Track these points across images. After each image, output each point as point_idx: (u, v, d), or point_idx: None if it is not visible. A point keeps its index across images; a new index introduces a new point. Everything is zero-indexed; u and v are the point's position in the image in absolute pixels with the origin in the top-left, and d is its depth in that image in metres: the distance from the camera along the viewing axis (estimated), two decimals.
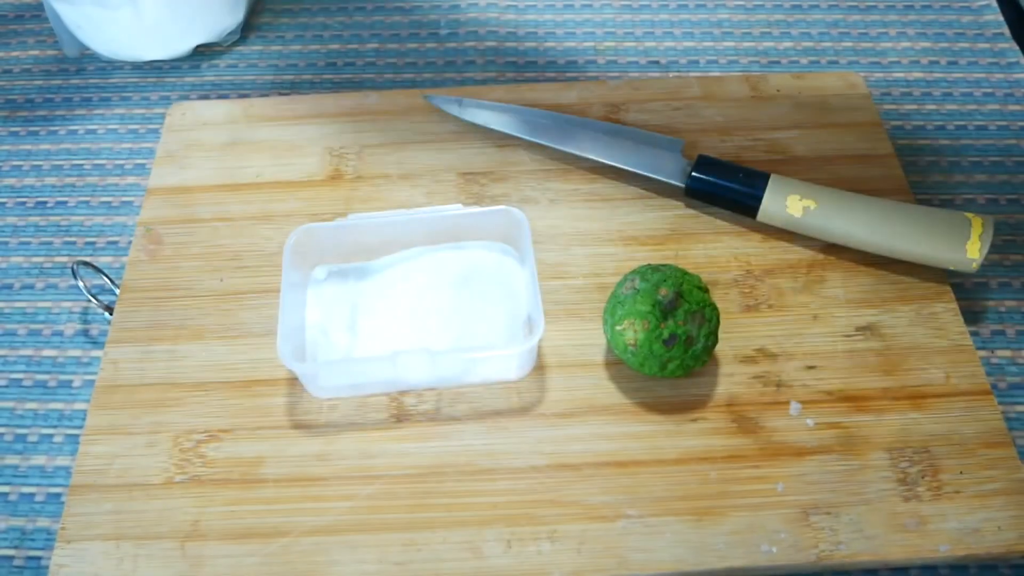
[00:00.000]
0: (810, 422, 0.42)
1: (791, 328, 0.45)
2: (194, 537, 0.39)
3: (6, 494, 0.43)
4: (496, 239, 0.47)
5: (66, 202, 0.54)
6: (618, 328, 0.38)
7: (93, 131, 0.58)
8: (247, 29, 0.63)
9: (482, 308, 0.45)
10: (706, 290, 0.39)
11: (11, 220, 0.53)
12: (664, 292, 0.37)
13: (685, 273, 0.39)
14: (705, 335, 0.38)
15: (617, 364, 0.43)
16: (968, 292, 0.49)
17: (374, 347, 0.44)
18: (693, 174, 0.48)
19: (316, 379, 0.42)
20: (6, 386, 0.47)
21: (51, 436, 0.45)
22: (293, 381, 0.43)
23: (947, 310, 0.45)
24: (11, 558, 0.41)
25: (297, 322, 0.44)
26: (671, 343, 0.38)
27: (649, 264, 0.40)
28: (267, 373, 0.44)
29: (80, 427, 0.44)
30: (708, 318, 0.38)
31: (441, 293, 0.45)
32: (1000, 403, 0.43)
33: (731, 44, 0.62)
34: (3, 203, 0.54)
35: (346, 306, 0.45)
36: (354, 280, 0.47)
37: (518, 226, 0.44)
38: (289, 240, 0.44)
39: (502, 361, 0.42)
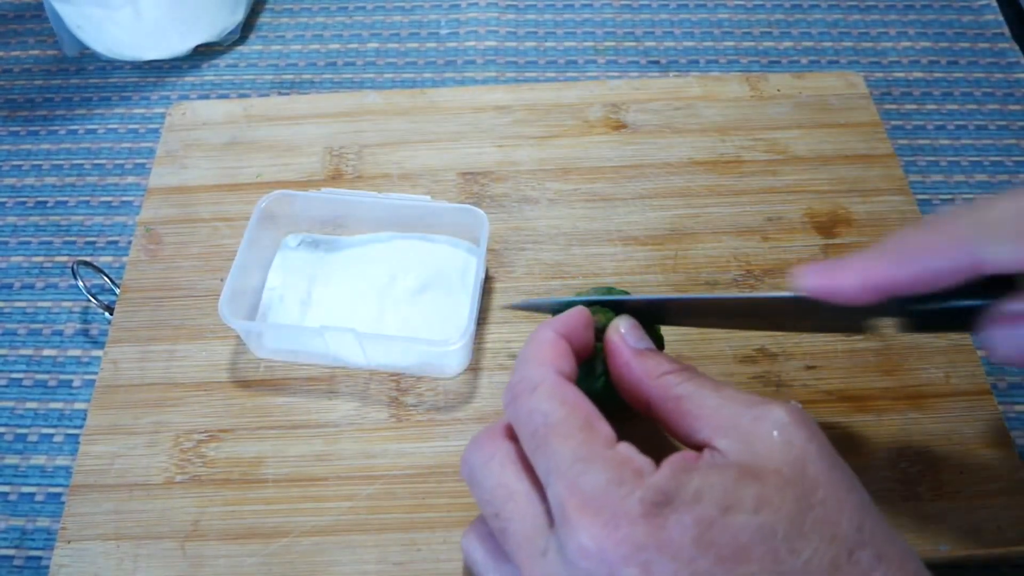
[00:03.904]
0: None
1: None
2: (194, 537, 0.39)
3: (6, 494, 0.43)
4: (466, 238, 0.47)
5: (66, 202, 0.54)
6: None
7: (93, 131, 0.58)
8: (247, 29, 0.63)
9: (436, 301, 0.45)
10: None
11: (11, 220, 0.53)
12: (598, 318, 0.35)
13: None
14: (606, 383, 0.34)
15: None
16: None
17: (322, 319, 0.45)
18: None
19: (260, 339, 0.43)
20: (6, 386, 0.47)
21: (51, 436, 0.45)
22: (294, 381, 0.43)
23: None
24: (11, 558, 0.41)
25: (256, 283, 0.46)
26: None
27: (602, 309, 0.36)
28: (268, 373, 0.44)
29: (80, 427, 0.44)
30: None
31: (399, 280, 0.46)
32: (1000, 403, 0.42)
33: (731, 44, 0.62)
34: (3, 203, 0.54)
35: (306, 276, 0.46)
36: (322, 252, 0.48)
37: (480, 226, 0.44)
38: (260, 203, 0.45)
39: (439, 356, 0.42)
